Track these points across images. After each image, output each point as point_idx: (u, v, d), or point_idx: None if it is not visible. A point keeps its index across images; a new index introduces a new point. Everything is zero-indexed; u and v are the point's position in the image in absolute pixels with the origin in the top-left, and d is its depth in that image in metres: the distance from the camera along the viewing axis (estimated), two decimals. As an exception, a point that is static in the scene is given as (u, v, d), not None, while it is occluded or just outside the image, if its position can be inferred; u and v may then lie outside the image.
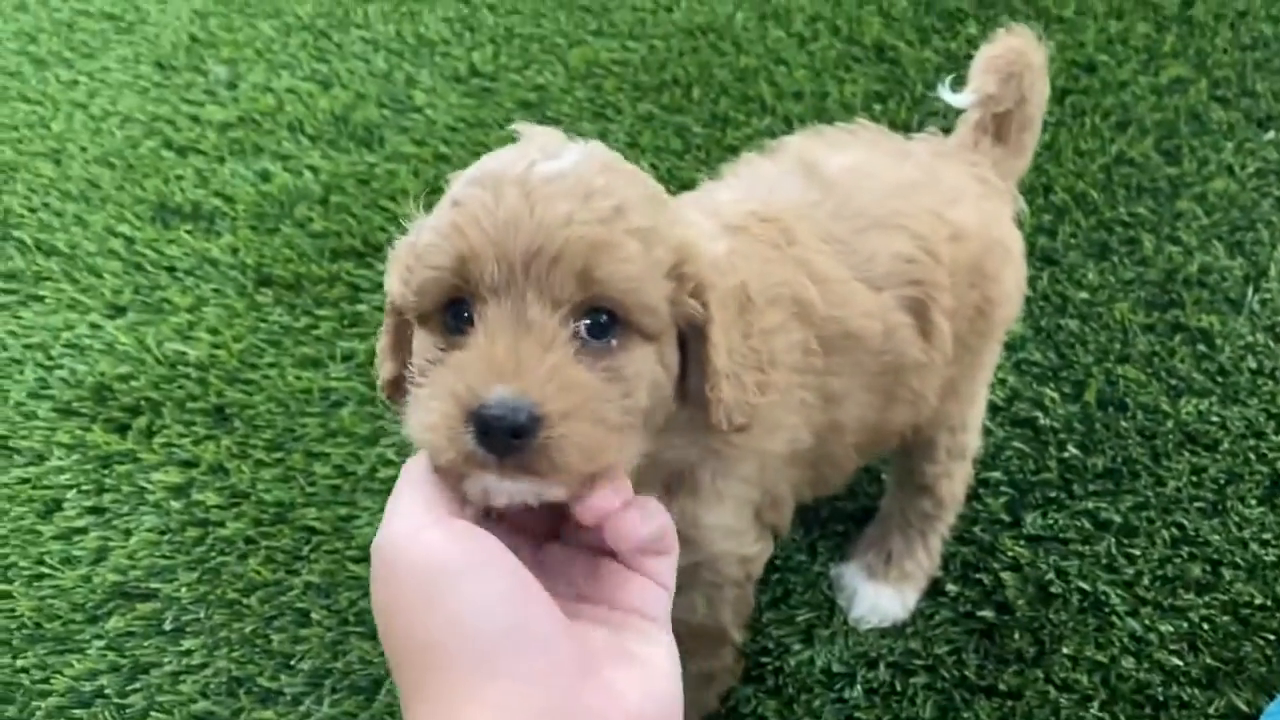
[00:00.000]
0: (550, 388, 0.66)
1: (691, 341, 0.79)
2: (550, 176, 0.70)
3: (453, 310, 0.72)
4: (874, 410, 1.03)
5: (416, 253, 0.73)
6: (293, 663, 1.31)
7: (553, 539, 0.71)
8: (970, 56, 2.02)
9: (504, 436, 0.64)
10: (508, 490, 0.66)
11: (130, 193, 1.99)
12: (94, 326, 1.73)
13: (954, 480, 1.26)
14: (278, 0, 2.47)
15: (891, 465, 1.31)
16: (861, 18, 2.16)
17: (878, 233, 1.00)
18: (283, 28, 2.38)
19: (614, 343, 0.72)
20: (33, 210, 1.98)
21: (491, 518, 0.68)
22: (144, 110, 2.19)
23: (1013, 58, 1.18)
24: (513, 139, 0.79)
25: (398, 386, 0.83)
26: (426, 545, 0.59)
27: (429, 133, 2.03)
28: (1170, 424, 1.40)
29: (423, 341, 0.75)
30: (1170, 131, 1.82)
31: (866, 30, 2.12)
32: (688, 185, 1.85)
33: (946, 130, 1.85)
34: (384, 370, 0.86)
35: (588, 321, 0.70)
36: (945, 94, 1.20)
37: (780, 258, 0.94)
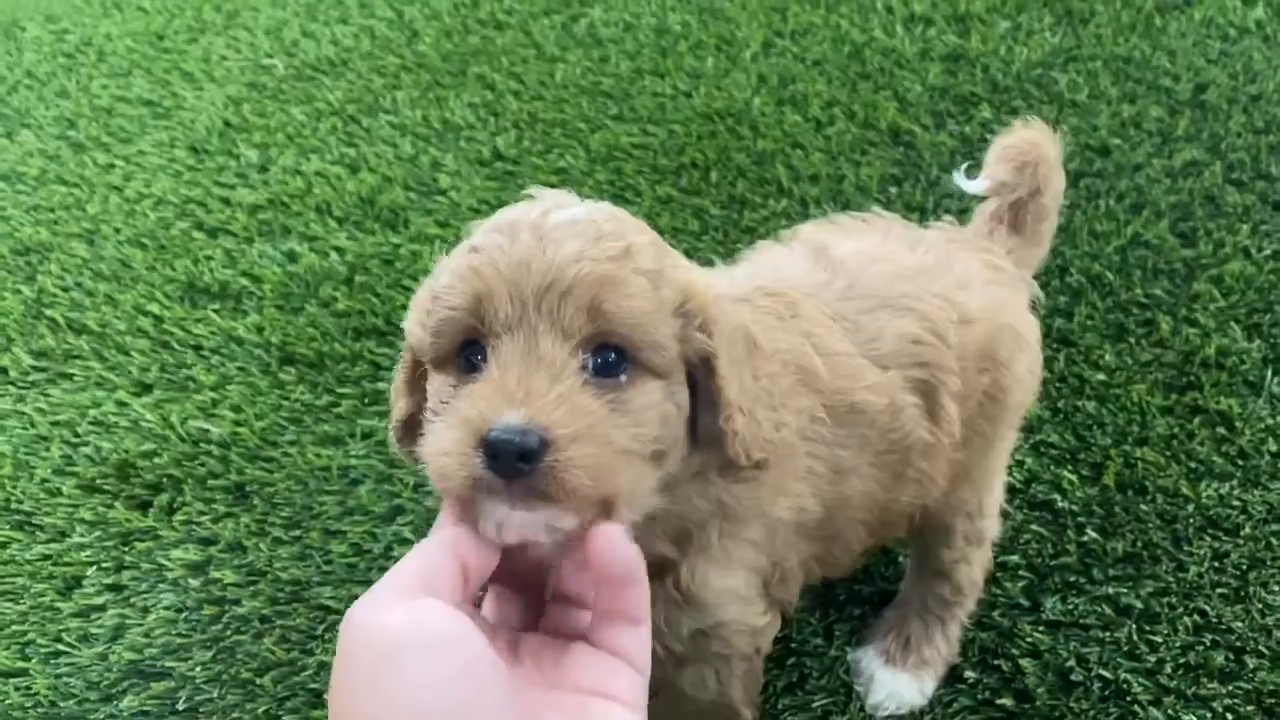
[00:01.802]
0: (559, 413, 0.68)
1: (701, 381, 0.81)
2: (563, 222, 0.75)
3: (467, 351, 0.75)
4: (881, 487, 1.03)
5: (434, 294, 0.77)
6: (304, 745, 1.30)
7: (531, 628, 0.72)
8: (985, 141, 2.07)
9: (512, 460, 0.66)
10: (519, 522, 0.68)
11: (161, 273, 2.04)
12: (120, 404, 1.76)
13: (972, 566, 1.25)
14: (309, 86, 2.55)
15: (910, 550, 1.30)
16: (877, 103, 2.20)
17: (885, 313, 1.01)
18: (313, 113, 2.45)
19: (623, 378, 0.74)
20: (65, 290, 2.03)
21: (478, 605, 0.71)
22: (177, 193, 2.25)
23: (1026, 148, 1.20)
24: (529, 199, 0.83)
25: (409, 429, 0.85)
26: (382, 623, 0.59)
27: (453, 214, 2.08)
28: (1191, 508, 1.39)
29: (438, 383, 0.77)
30: (1185, 214, 1.83)
31: (882, 115, 2.16)
32: (705, 266, 1.89)
33: (962, 213, 1.88)
34: (396, 409, 0.88)
35: (598, 358, 0.73)
36: (960, 180, 1.22)
37: (785, 328, 0.96)
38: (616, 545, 0.67)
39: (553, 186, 2.11)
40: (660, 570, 0.91)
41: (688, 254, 1.88)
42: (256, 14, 2.91)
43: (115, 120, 2.54)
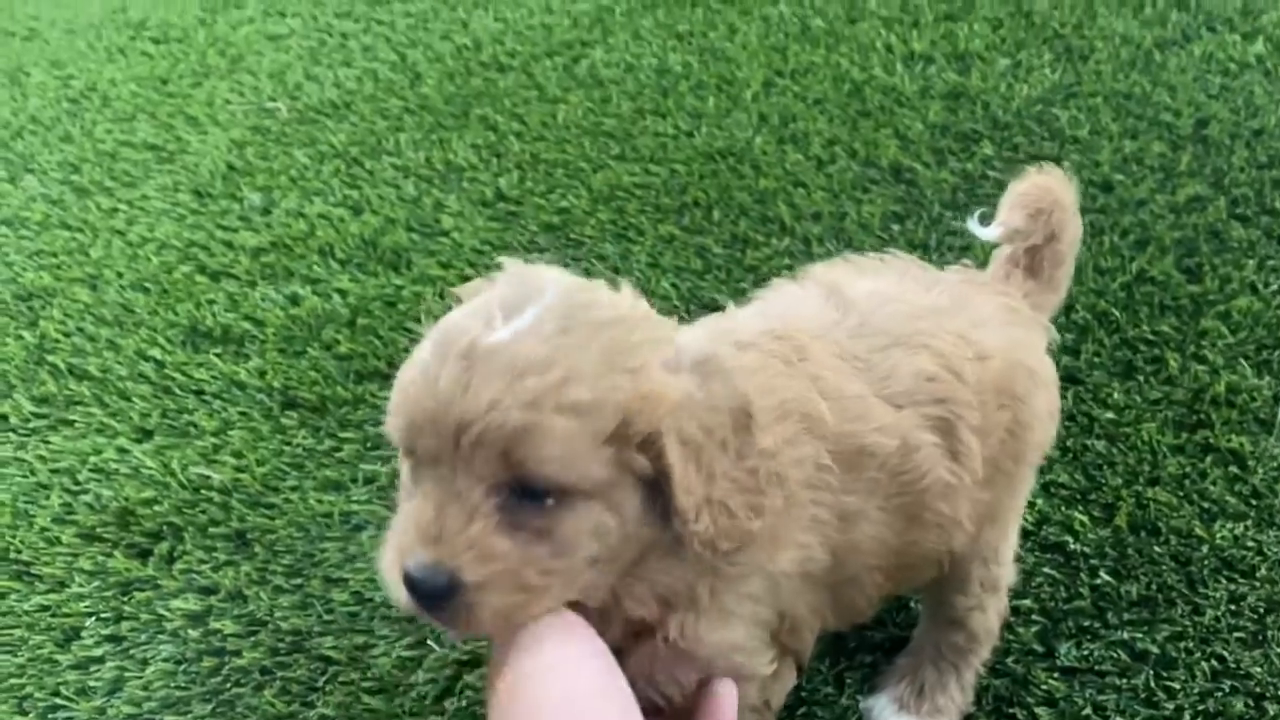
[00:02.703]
0: (468, 557, 0.75)
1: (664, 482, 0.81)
2: (492, 350, 0.76)
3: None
4: (893, 532, 1.01)
5: (393, 396, 0.81)
6: (305, 801, 1.27)
7: None
8: (987, 178, 2.07)
9: (424, 597, 0.75)
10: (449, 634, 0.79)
11: (163, 317, 2.03)
12: (121, 450, 1.75)
13: (988, 614, 1.22)
14: (312, 129, 2.56)
15: (924, 597, 1.28)
16: (878, 140, 2.20)
17: (898, 351, 1.00)
18: (316, 155, 2.46)
19: (549, 502, 0.77)
20: (67, 335, 2.02)
21: None
22: (180, 236, 2.25)
23: (1040, 194, 1.19)
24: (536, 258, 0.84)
25: None
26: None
27: (455, 255, 2.07)
28: (1205, 549, 1.37)
29: (404, 469, 0.83)
30: (1190, 250, 1.82)
31: (883, 152, 2.16)
32: (708, 305, 1.88)
33: (964, 250, 1.87)
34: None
35: (519, 490, 0.77)
36: (974, 227, 1.21)
37: (790, 373, 0.95)
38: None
39: (555, 228, 2.13)
40: (647, 628, 0.90)
41: (691, 292, 1.89)
42: (260, 58, 2.93)
43: (119, 164, 2.55)
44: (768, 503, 0.84)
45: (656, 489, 0.81)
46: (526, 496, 0.77)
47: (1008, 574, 1.23)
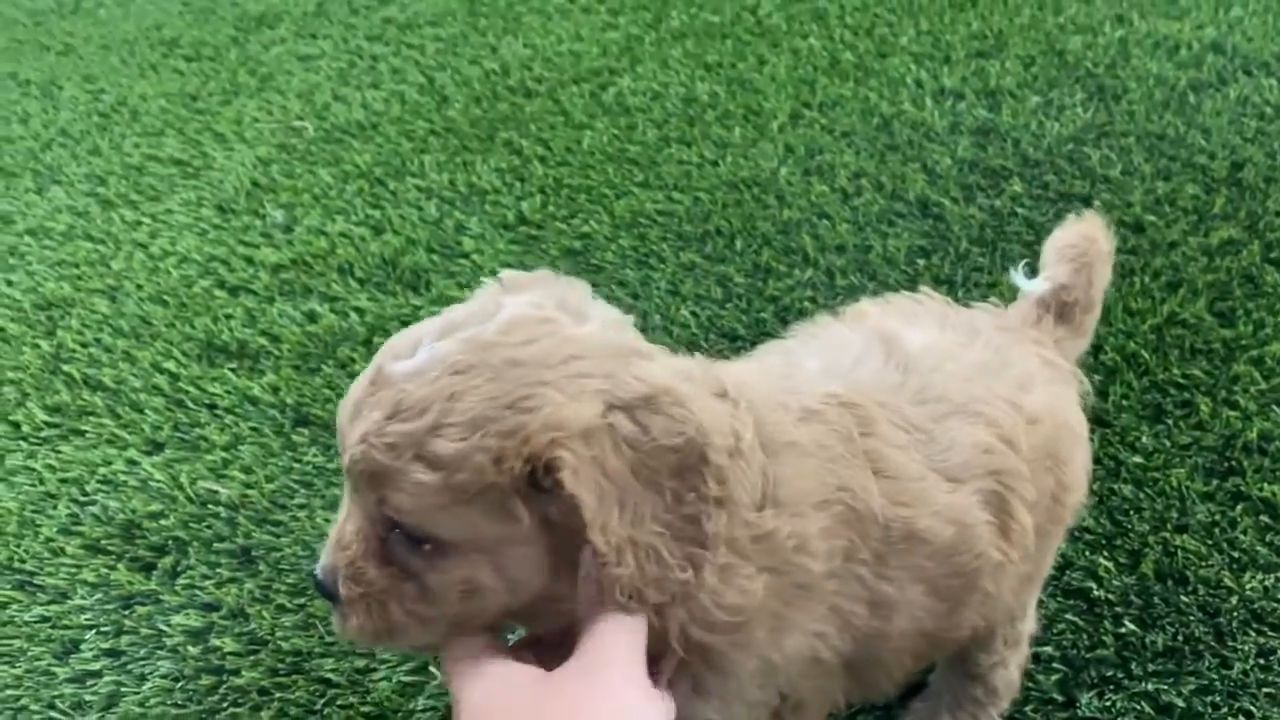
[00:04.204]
0: (344, 575, 0.77)
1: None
2: (388, 380, 0.74)
3: None
4: (933, 616, 0.95)
5: None
6: (297, 827, 1.24)
7: None
8: (1015, 215, 2.04)
9: (321, 594, 0.81)
10: None
11: (180, 330, 2.02)
12: (130, 463, 1.74)
13: (1009, 669, 1.18)
14: (338, 149, 2.56)
15: None
16: (905, 174, 2.18)
17: (957, 420, 0.95)
18: (341, 175, 2.46)
19: (427, 547, 0.76)
20: (84, 345, 2.02)
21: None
22: (201, 251, 2.25)
23: (1085, 245, 1.16)
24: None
25: None
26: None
27: (475, 278, 2.06)
28: (1234, 600, 1.32)
29: None
30: (1223, 293, 1.78)
31: (910, 187, 2.14)
32: (727, 334, 1.85)
33: (991, 287, 1.84)
34: None
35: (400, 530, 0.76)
36: (1019, 280, 1.18)
37: (849, 454, 0.89)
38: None
39: (576, 253, 2.11)
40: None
41: (710, 321, 1.86)
42: (290, 78, 2.95)
43: (145, 178, 2.56)
44: (711, 559, 0.77)
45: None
46: (407, 534, 0.76)
47: (1030, 628, 1.19)
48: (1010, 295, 1.80)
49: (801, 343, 1.05)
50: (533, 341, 0.75)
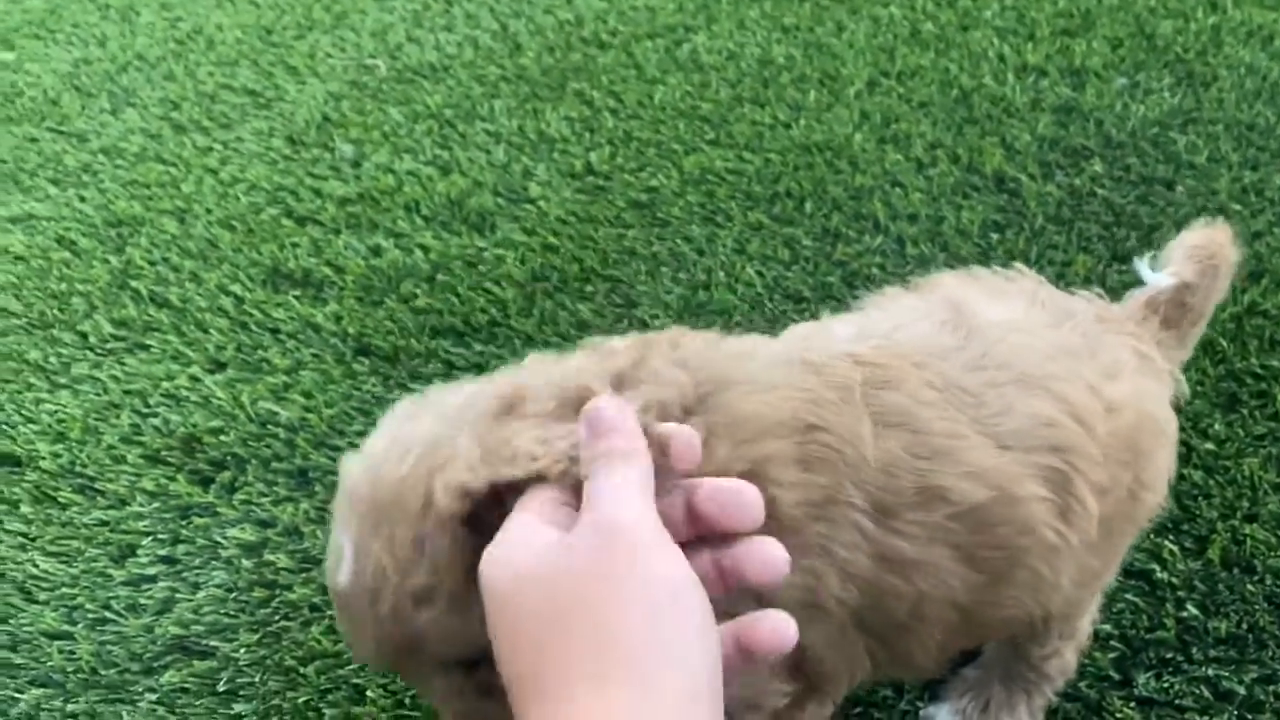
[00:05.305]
0: None
1: None
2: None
3: None
4: (966, 587, 0.90)
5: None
6: (342, 741, 1.25)
7: None
8: (1094, 194, 1.99)
9: None
10: None
11: (246, 255, 2.04)
12: (193, 379, 1.76)
13: (1065, 657, 1.15)
14: (409, 89, 2.56)
15: None
16: (983, 148, 2.13)
17: (1017, 389, 0.91)
18: (411, 114, 2.45)
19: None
20: (152, 264, 2.04)
21: None
22: (270, 180, 2.26)
23: (1215, 250, 1.12)
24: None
25: None
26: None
27: (539, 223, 2.05)
28: (1303, 593, 1.29)
29: None
30: (1307, 286, 1.73)
31: (988, 160, 2.09)
32: (792, 296, 1.83)
33: (1066, 264, 1.80)
34: None
35: None
36: (1143, 270, 1.14)
37: (839, 401, 0.85)
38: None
39: (642, 205, 2.09)
40: None
41: (775, 282, 1.85)
42: (364, 16, 2.95)
43: (218, 106, 2.57)
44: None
45: None
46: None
47: (1088, 625, 1.15)
48: (1085, 275, 1.78)
49: (861, 313, 1.02)
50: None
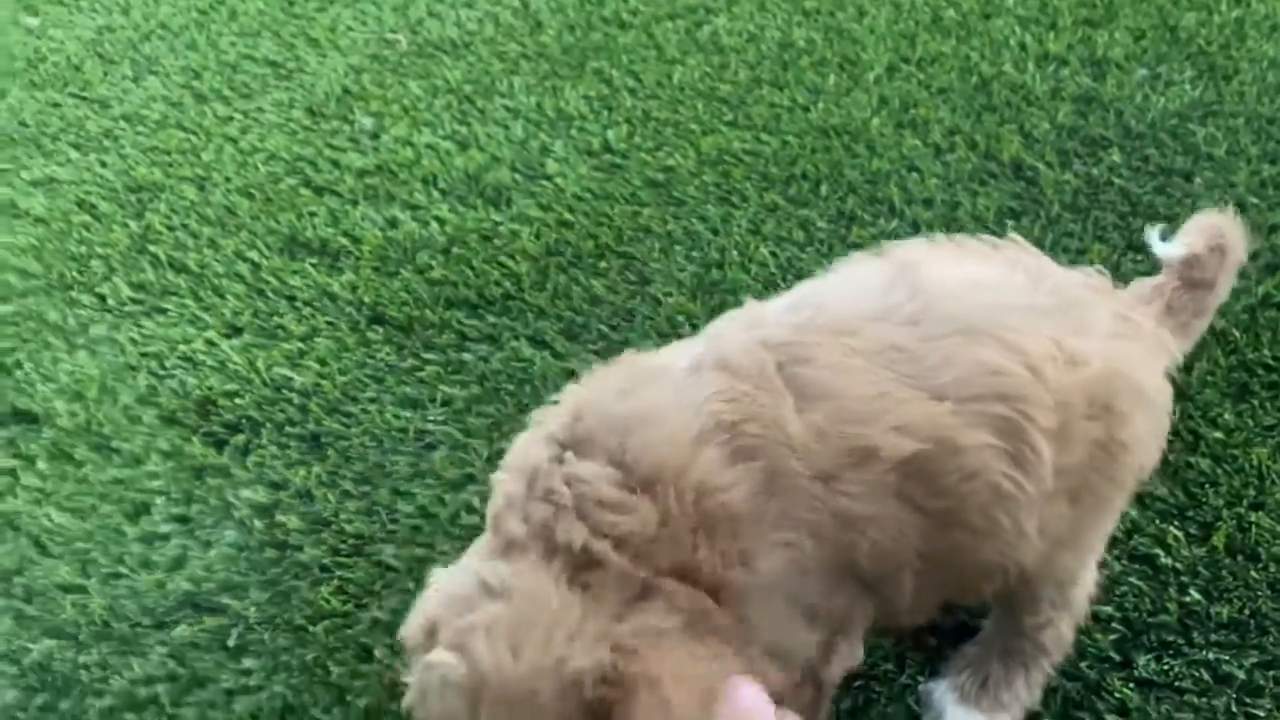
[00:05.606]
0: None
1: None
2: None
3: None
4: (920, 535, 0.93)
5: None
6: (348, 697, 1.27)
7: None
8: (1111, 184, 1.99)
9: None
10: None
11: (264, 223, 2.05)
12: (209, 343, 1.77)
13: (1059, 628, 1.16)
14: (429, 64, 2.57)
15: (991, 602, 1.21)
16: (1001, 135, 2.13)
17: (958, 339, 0.92)
18: (430, 89, 2.46)
19: None
20: (171, 229, 2.06)
21: None
22: (290, 150, 2.28)
23: (1224, 233, 1.13)
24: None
25: None
26: None
27: (556, 199, 2.06)
28: (1307, 582, 1.29)
29: None
30: (1322, 281, 1.73)
31: (1005, 147, 2.09)
32: (805, 276, 1.81)
33: (1080, 253, 1.80)
34: None
35: None
36: (1154, 241, 1.16)
37: (755, 390, 0.90)
38: None
39: (658, 184, 2.10)
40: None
41: (789, 263, 1.85)
42: (386, -9, 2.95)
43: (239, 76, 2.59)
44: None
45: None
46: None
47: (1082, 596, 1.16)
48: (1099, 262, 1.78)
49: (809, 281, 1.05)
50: None
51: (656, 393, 0.91)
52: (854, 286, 1.00)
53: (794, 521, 0.89)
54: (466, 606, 0.83)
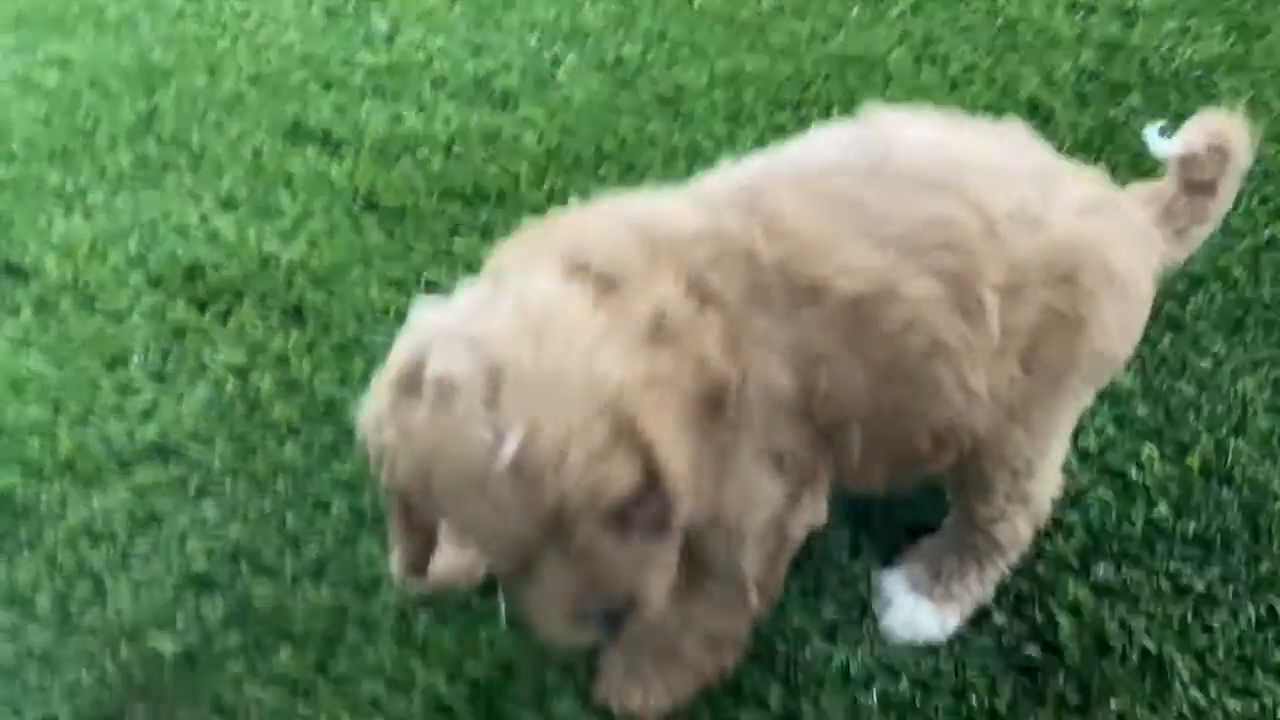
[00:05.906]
0: None
1: None
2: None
3: None
4: (867, 385, 0.94)
5: None
6: (301, 547, 1.27)
7: None
8: (1127, 125, 1.95)
9: None
10: None
11: (270, 111, 2.05)
12: (203, 217, 1.78)
13: (1014, 525, 1.14)
14: (451, -26, 2.55)
15: (950, 494, 1.19)
16: (1021, 74, 2.09)
17: (911, 193, 0.93)
18: (449, -2, 2.45)
19: None
20: (179, 110, 2.06)
21: None
22: (303, 46, 2.27)
23: (1228, 135, 1.10)
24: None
25: None
26: None
27: (562, 106, 2.04)
28: (1278, 505, 1.26)
29: None
30: (1331, 229, 1.69)
31: (1023, 86, 2.06)
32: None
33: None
34: None
35: None
36: (1151, 136, 1.13)
37: (733, 217, 0.93)
38: None
39: (668, 100, 2.07)
40: None
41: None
42: (417, -95, 2.93)
43: (261, -25, 2.58)
44: None
45: None
46: None
47: (1043, 492, 1.14)
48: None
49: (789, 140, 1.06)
50: None
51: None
52: (822, 142, 1.01)
53: (770, 345, 0.90)
54: (471, 317, 0.84)
